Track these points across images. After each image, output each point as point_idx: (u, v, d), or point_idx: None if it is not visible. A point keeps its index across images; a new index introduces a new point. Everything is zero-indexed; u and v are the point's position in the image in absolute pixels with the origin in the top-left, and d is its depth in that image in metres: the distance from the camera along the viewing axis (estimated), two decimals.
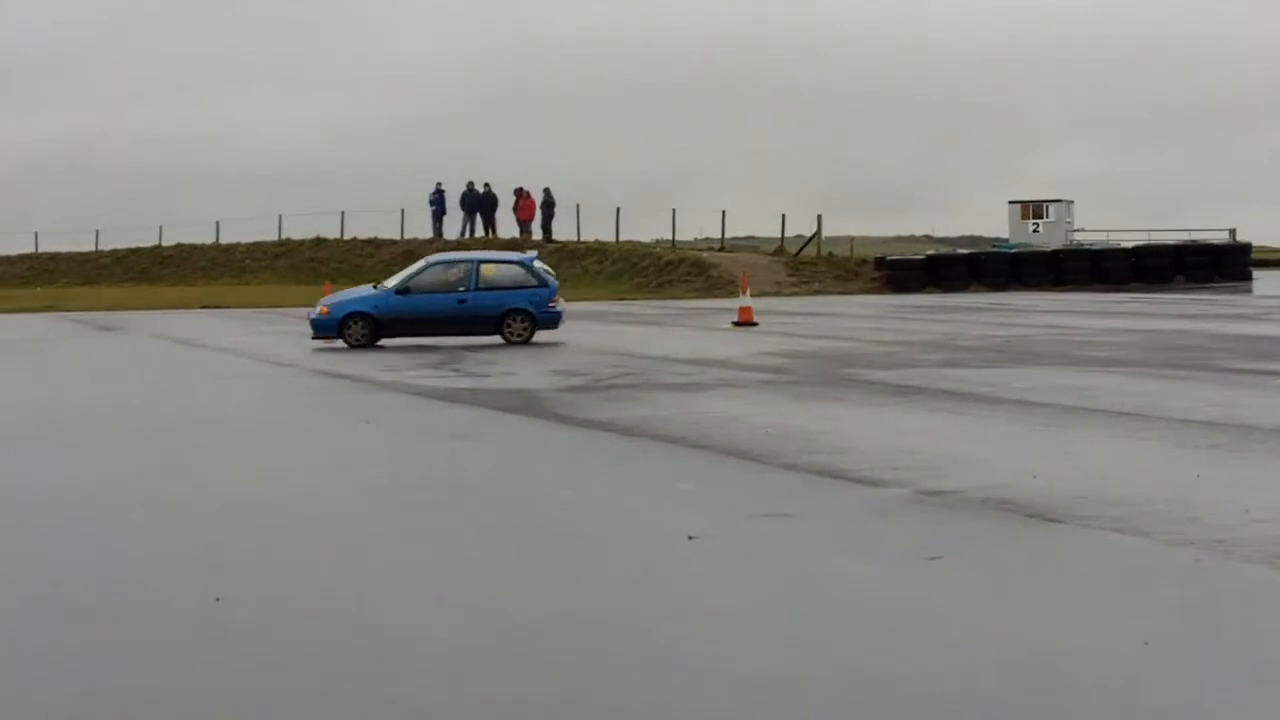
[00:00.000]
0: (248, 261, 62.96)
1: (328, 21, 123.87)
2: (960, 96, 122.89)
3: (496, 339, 27.29)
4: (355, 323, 27.04)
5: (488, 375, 20.55)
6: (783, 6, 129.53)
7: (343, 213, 63.55)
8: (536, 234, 59.23)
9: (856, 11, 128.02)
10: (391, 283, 28.11)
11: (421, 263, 28.91)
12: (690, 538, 9.11)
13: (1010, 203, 60.62)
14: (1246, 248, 56.15)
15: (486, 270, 28.06)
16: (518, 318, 27.37)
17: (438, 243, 60.69)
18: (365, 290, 28.77)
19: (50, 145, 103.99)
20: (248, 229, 65.14)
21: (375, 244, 62.32)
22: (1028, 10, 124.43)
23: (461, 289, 27.52)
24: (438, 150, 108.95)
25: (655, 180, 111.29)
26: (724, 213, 59.00)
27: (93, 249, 66.32)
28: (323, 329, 27.17)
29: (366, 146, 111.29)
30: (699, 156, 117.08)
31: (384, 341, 27.10)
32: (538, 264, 28.73)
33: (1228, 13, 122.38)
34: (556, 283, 28.39)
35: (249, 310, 43.07)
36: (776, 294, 48.71)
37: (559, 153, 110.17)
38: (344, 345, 26.84)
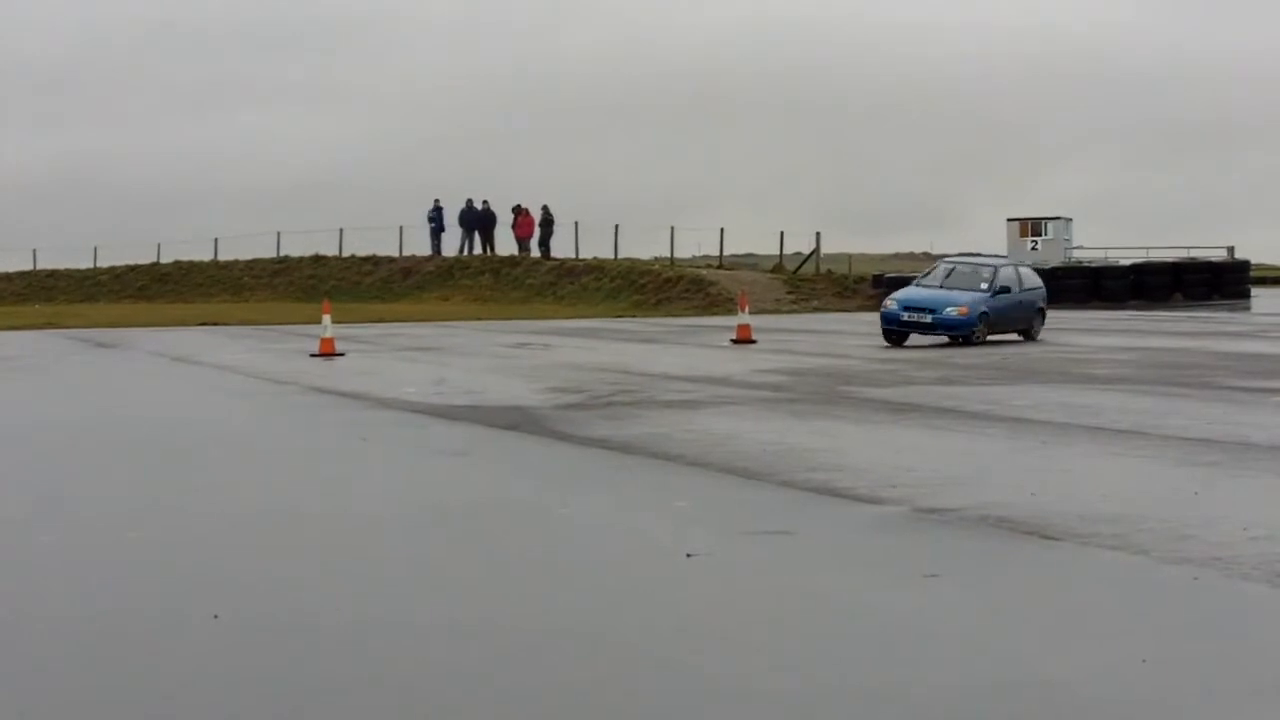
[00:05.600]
0: (246, 279, 63.02)
1: (327, 41, 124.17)
2: (963, 115, 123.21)
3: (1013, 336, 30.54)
4: (983, 321, 29.71)
5: (484, 392, 20.54)
6: (784, 26, 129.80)
7: (341, 230, 63.69)
8: (534, 251, 59.32)
9: (859, 31, 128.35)
10: (983, 286, 30.29)
11: (987, 265, 31.73)
12: (688, 555, 9.10)
13: (1009, 220, 60.71)
14: (1245, 265, 56.26)
15: (1022, 273, 31.75)
16: (1039, 317, 31.13)
17: (436, 260, 60.80)
18: (954, 293, 30.48)
19: (48, 163, 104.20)
20: (246, 246, 65.30)
21: (374, 261, 62.39)
22: (1033, 30, 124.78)
23: (1017, 291, 30.82)
24: (436, 167, 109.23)
25: (654, 198, 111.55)
26: (722, 230, 59.20)
27: (90, 266, 66.39)
28: (960, 327, 29.53)
29: (365, 164, 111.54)
30: (698, 174, 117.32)
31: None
32: None
33: (1233, 33, 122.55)
34: None
35: (247, 328, 43.06)
36: (775, 311, 48.75)
37: (558, 170, 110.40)
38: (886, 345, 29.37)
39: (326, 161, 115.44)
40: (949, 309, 29.40)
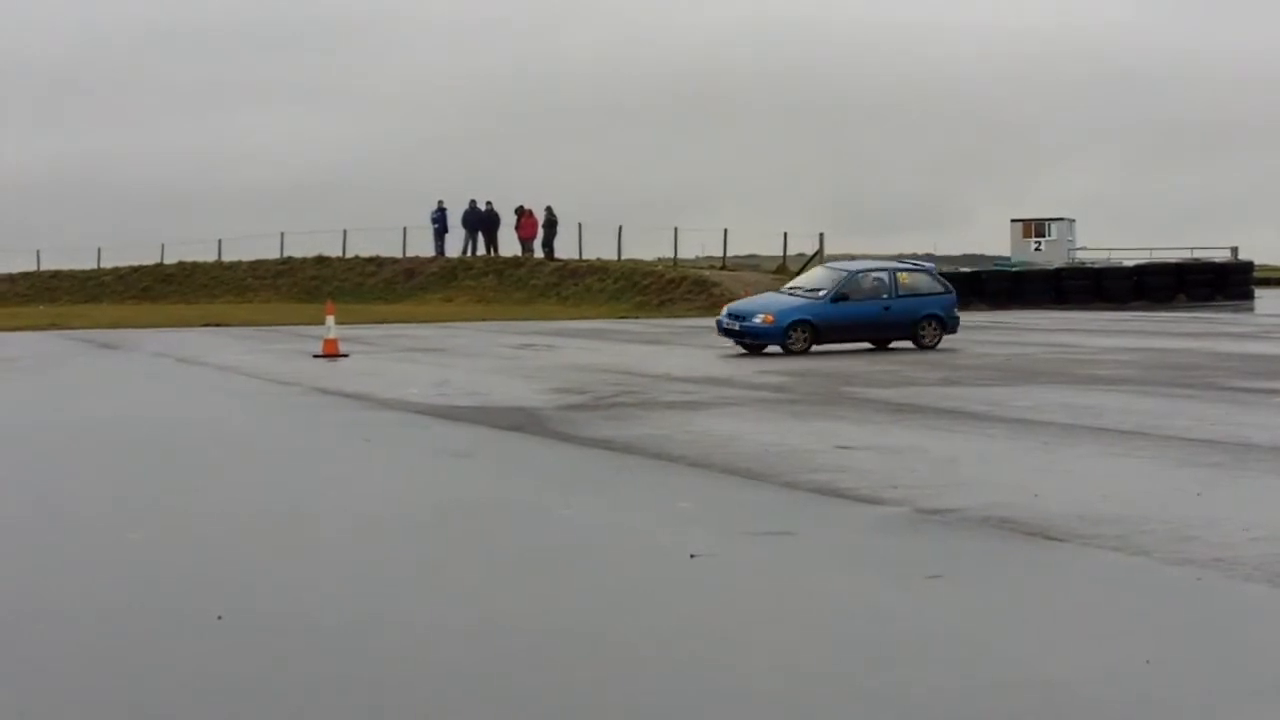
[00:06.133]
0: (249, 280, 62.99)
1: (328, 42, 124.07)
2: (963, 115, 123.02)
3: (908, 344, 29.02)
4: (799, 329, 28.51)
5: (487, 393, 20.55)
6: (784, 26, 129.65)
7: (344, 231, 63.63)
8: (538, 252, 59.28)
9: (859, 31, 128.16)
10: (820, 293, 29.25)
11: (841, 271, 30.33)
12: (691, 556, 9.10)
13: (1012, 221, 60.72)
14: (1248, 266, 56.20)
15: (902, 278, 29.80)
16: (930, 324, 29.21)
17: (439, 261, 60.78)
18: (786, 299, 29.77)
19: (52, 164, 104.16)
20: (249, 247, 65.21)
21: (377, 262, 62.34)
22: (1033, 30, 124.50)
23: (883, 296, 29.24)
24: (439, 168, 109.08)
25: (657, 198, 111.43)
26: (725, 231, 59.09)
27: (94, 267, 66.41)
28: (766, 336, 28.57)
29: (368, 165, 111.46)
30: (700, 174, 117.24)
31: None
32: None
33: (1234, 33, 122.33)
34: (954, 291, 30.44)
35: (250, 328, 43.08)
36: None
37: (560, 170, 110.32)
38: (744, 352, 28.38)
39: (328, 162, 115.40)
40: (757, 316, 28.86)
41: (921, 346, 28.88)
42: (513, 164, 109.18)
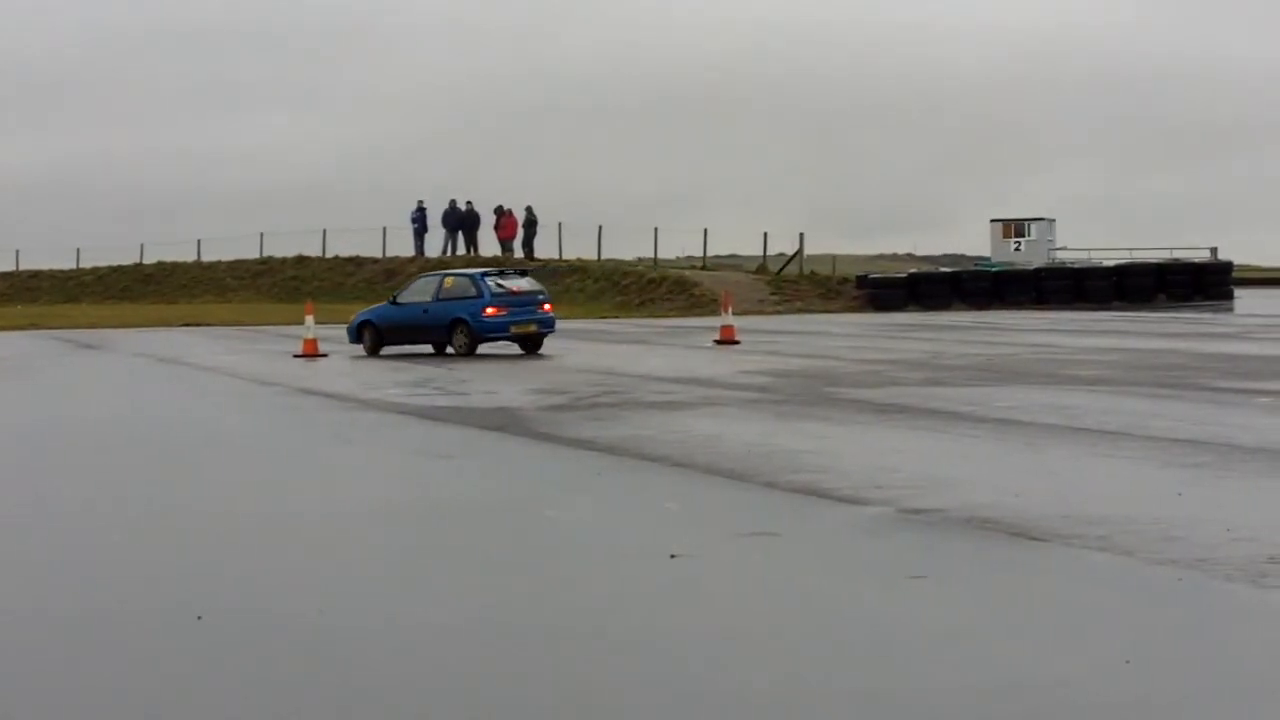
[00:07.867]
0: (229, 280, 62.93)
1: (316, 43, 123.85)
2: (960, 116, 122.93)
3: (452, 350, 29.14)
4: (365, 330, 30.17)
5: (468, 394, 20.53)
6: (772, 27, 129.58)
7: (324, 231, 63.55)
8: (518, 252, 59.22)
9: (848, 32, 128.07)
10: (392, 298, 31.17)
11: (423, 277, 32.26)
12: (672, 556, 9.09)
13: (992, 221, 60.74)
14: (1228, 266, 56.29)
15: (446, 282, 30.18)
16: (458, 329, 29.21)
17: (419, 260, 60.72)
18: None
19: (37, 165, 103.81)
20: (229, 247, 65.12)
21: (356, 262, 62.29)
22: (1032, 30, 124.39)
23: (427, 300, 29.76)
24: (429, 168, 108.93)
25: (654, 199, 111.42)
26: (706, 231, 59.11)
27: (74, 267, 66.27)
28: (349, 335, 30.58)
29: (351, 165, 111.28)
30: (694, 175, 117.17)
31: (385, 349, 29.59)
32: (495, 279, 29.89)
33: (1234, 33, 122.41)
34: (494, 293, 29.30)
35: (230, 328, 42.98)
36: (759, 313, 48.73)
37: (552, 170, 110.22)
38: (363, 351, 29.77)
39: (313, 163, 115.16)
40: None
41: (457, 352, 28.90)
42: (504, 164, 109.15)
